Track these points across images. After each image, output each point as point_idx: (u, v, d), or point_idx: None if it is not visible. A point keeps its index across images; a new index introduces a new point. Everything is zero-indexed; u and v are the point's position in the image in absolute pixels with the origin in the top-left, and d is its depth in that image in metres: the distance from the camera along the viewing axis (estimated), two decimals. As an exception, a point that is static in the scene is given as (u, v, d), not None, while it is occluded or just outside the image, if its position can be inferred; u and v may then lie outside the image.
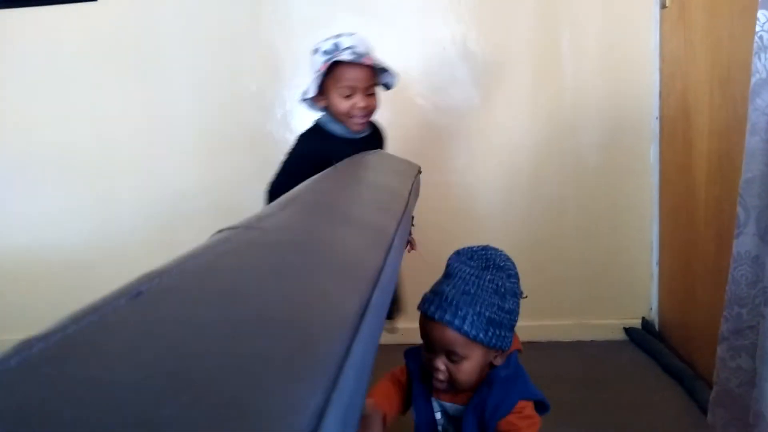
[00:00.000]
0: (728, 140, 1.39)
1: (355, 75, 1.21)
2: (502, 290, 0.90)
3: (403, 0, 1.94)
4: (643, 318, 2.00)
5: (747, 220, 1.02)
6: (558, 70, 1.92)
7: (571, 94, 1.93)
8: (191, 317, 0.30)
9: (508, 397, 0.91)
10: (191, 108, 2.03)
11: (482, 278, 0.90)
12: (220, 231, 0.43)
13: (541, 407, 0.95)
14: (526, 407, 0.92)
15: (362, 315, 0.35)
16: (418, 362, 0.99)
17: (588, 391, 1.60)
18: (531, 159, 1.97)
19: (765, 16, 0.96)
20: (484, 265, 0.91)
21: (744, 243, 1.03)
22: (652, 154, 1.93)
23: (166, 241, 1.95)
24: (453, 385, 0.93)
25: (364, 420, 0.92)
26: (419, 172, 1.09)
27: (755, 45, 0.97)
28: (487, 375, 0.93)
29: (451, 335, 0.88)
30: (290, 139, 2.02)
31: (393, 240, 0.53)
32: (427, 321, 0.91)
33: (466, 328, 0.87)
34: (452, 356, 0.90)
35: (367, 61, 1.19)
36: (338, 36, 1.21)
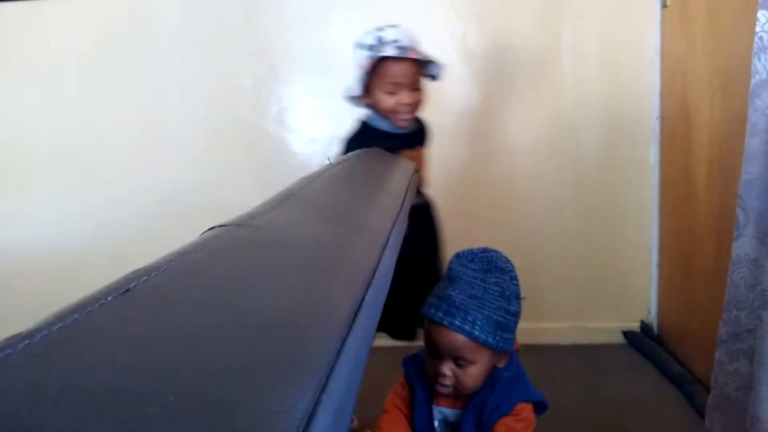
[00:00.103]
0: (728, 141, 1.38)
1: (400, 70, 1.18)
2: (507, 293, 0.90)
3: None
4: (642, 321, 1.99)
5: (746, 222, 1.02)
6: (558, 69, 1.92)
7: (570, 94, 1.92)
8: (179, 315, 0.29)
9: (508, 398, 0.92)
10: (186, 105, 2.02)
11: (487, 281, 0.89)
12: (211, 228, 0.43)
13: (539, 407, 0.95)
14: (525, 409, 0.92)
15: (355, 315, 0.35)
16: (417, 369, 0.99)
17: (586, 395, 1.60)
18: (530, 159, 1.96)
19: (765, 16, 0.96)
20: (486, 267, 0.91)
21: (743, 246, 1.03)
22: (652, 154, 1.92)
23: (161, 238, 1.94)
24: (457, 390, 0.92)
25: None
26: (416, 171, 1.08)
27: (755, 45, 0.97)
28: (489, 376, 0.93)
29: (460, 340, 0.87)
30: (285, 137, 2.00)
31: (388, 239, 0.52)
32: (433, 326, 0.90)
33: (476, 332, 0.86)
34: (459, 361, 0.89)
35: (412, 55, 1.16)
36: (380, 29, 1.18)
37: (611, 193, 1.95)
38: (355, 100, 1.22)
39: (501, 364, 0.93)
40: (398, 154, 1.24)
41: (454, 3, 1.91)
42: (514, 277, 0.93)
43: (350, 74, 1.24)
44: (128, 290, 0.30)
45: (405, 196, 0.79)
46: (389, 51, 1.14)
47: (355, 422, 1.34)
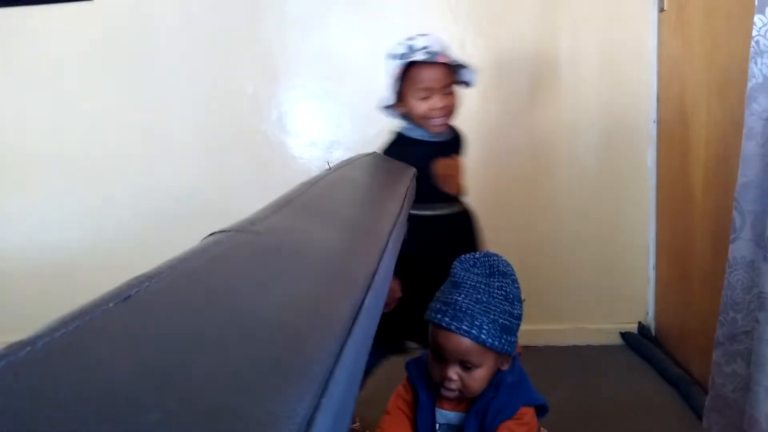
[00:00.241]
0: (725, 144, 1.39)
1: (431, 75, 1.18)
2: (511, 296, 0.91)
3: (400, 2, 1.94)
4: (640, 323, 1.99)
5: (743, 224, 1.02)
6: (555, 73, 1.92)
7: (568, 97, 1.93)
8: (180, 321, 0.29)
9: (511, 401, 0.92)
10: (186, 109, 2.02)
11: (491, 286, 0.90)
12: (212, 234, 0.43)
13: (540, 410, 0.96)
14: (527, 413, 0.93)
15: (354, 318, 0.35)
16: (420, 372, 0.99)
17: (584, 396, 1.60)
18: (528, 162, 1.97)
19: (761, 20, 0.96)
20: (488, 272, 0.92)
21: (739, 248, 1.03)
22: (649, 157, 1.93)
23: (161, 243, 1.94)
24: (462, 394, 0.93)
25: None
26: (415, 175, 1.09)
27: (752, 49, 0.97)
28: (493, 379, 0.94)
29: (468, 345, 0.88)
30: (285, 140, 2.01)
31: (387, 243, 0.52)
32: (440, 331, 0.90)
33: (483, 337, 0.87)
34: (466, 365, 0.90)
35: (442, 59, 1.17)
36: (411, 38, 1.19)
37: (609, 195, 1.96)
38: (389, 110, 1.23)
39: (504, 367, 0.94)
40: (434, 162, 1.24)
41: (452, 7, 1.91)
42: (516, 281, 0.94)
43: (380, 84, 1.25)
44: (129, 296, 0.30)
45: (404, 200, 0.80)
46: (419, 56, 1.15)
47: (357, 423, 1.34)
